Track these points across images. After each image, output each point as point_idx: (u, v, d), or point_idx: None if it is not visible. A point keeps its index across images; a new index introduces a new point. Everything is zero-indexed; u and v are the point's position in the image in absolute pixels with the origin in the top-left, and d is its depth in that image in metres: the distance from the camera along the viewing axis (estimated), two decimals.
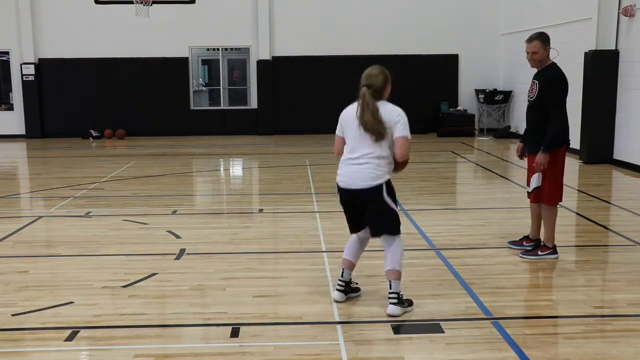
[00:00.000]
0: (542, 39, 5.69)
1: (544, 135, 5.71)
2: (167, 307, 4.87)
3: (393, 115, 4.52)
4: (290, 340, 4.19)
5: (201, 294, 5.16)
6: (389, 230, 4.63)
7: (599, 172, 11.05)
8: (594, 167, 11.52)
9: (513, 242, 6.31)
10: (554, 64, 5.80)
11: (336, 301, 4.82)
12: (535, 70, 5.93)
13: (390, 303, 4.61)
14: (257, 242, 6.68)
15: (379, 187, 4.54)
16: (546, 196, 5.81)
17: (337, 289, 4.89)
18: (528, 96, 5.90)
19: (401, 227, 4.70)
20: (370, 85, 4.55)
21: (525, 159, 6.11)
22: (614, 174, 11.05)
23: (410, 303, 4.71)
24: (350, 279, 4.93)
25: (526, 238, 6.26)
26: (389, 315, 4.56)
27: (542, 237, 6.13)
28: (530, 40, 5.73)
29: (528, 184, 6.00)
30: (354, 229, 4.83)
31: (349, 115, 4.64)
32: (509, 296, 5.13)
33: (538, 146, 5.74)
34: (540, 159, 5.66)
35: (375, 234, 4.68)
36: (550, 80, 5.68)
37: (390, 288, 4.62)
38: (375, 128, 4.48)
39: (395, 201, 4.65)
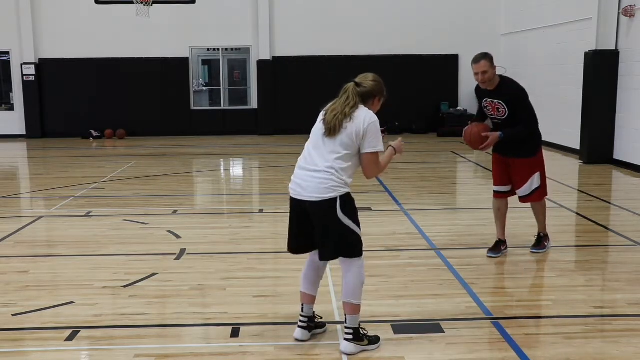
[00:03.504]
0: (488, 58, 5.60)
1: (524, 141, 5.75)
2: (167, 307, 4.87)
3: (362, 122, 3.84)
4: (290, 340, 4.19)
5: (201, 294, 5.16)
6: (340, 254, 3.91)
7: (599, 172, 11.05)
8: (594, 167, 11.52)
9: (492, 251, 6.01)
10: (505, 78, 5.76)
11: (298, 340, 4.15)
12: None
13: (344, 339, 4.03)
14: (257, 242, 6.68)
15: (332, 201, 3.82)
16: (544, 193, 5.96)
17: (299, 326, 4.19)
18: (493, 115, 5.76)
19: (363, 249, 3.99)
20: (360, 84, 4.01)
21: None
22: (614, 174, 11.04)
23: (373, 341, 4.07)
24: (314, 313, 4.23)
25: (502, 243, 6.03)
26: (342, 353, 4.00)
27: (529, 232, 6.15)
28: (476, 60, 5.59)
29: (518, 187, 5.87)
30: (295, 247, 4.10)
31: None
32: (509, 296, 5.14)
33: (522, 149, 5.78)
34: (495, 139, 5.64)
35: (323, 257, 3.96)
36: (517, 96, 5.67)
37: (346, 322, 4.04)
38: (332, 124, 3.88)
39: (355, 220, 3.91)
